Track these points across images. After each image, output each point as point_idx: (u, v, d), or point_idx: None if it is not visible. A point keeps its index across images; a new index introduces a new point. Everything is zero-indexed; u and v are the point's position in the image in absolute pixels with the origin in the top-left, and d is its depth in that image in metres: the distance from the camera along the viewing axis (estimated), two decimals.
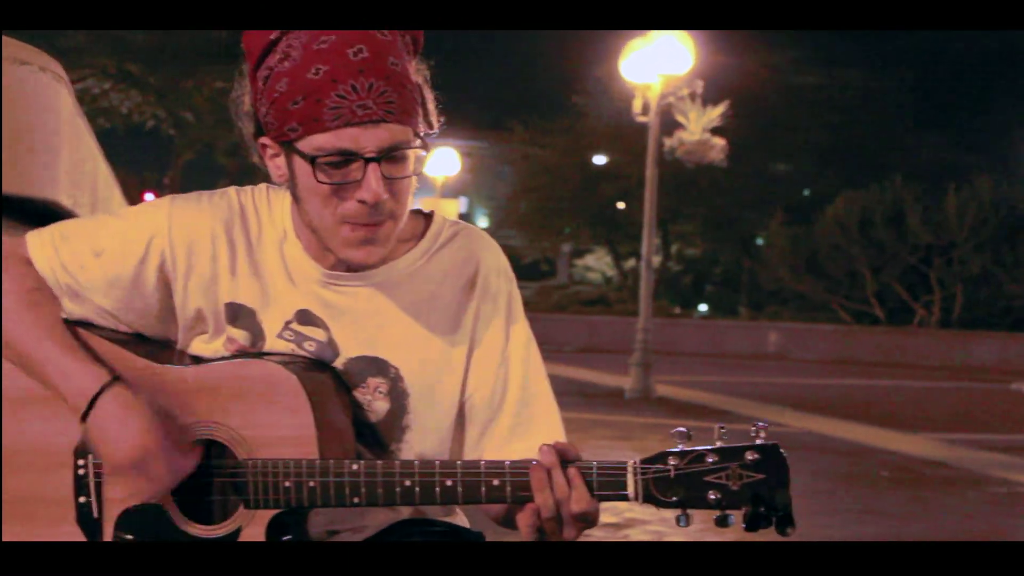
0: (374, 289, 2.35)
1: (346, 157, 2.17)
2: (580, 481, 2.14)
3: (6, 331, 2.30)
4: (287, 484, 2.21)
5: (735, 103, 22.15)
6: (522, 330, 2.46)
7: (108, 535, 2.28)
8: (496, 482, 2.17)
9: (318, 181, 2.18)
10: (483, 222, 70.00)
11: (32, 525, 2.32)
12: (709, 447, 2.15)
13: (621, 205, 48.79)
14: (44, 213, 3.48)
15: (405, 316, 2.36)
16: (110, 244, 2.34)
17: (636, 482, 2.14)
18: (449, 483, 2.17)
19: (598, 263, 58.04)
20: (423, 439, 2.40)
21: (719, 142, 20.78)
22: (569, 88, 49.79)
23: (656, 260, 22.49)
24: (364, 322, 2.36)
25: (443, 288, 2.39)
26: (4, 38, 3.04)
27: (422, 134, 2.25)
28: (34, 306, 2.32)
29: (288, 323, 2.35)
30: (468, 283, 2.40)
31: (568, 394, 17.81)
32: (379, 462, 2.21)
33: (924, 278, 36.72)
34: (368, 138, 2.16)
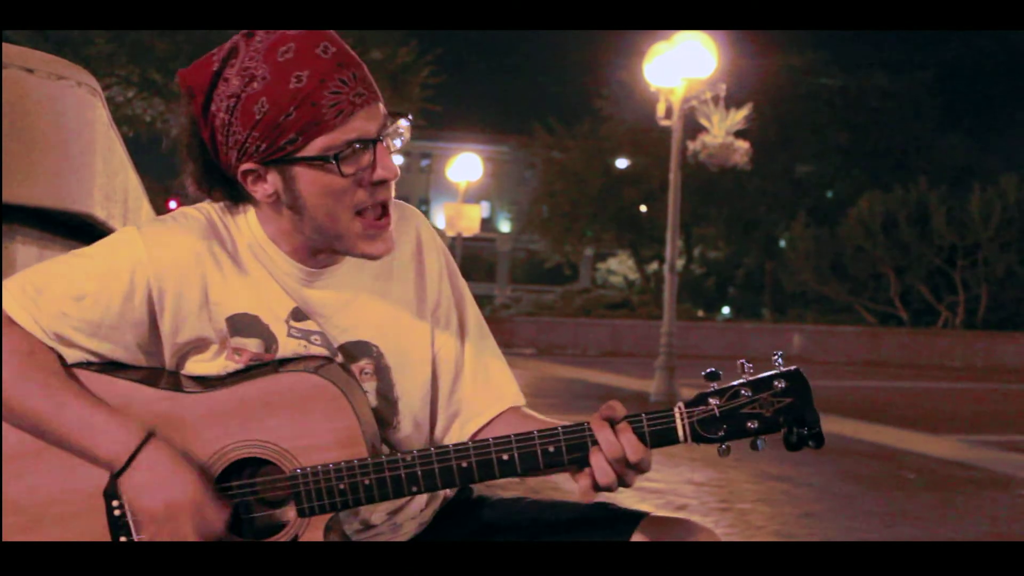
0: (342, 278, 2.41)
1: (354, 147, 2.22)
2: (631, 434, 2.24)
3: (17, 401, 2.27)
4: (342, 486, 2.24)
5: (758, 106, 22.16)
6: (464, 285, 2.59)
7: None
8: (552, 448, 2.24)
9: (343, 176, 2.22)
10: (505, 226, 70.03)
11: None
12: (742, 382, 2.27)
13: (643, 208, 48.81)
14: (80, 226, 3.52)
15: (372, 294, 2.44)
16: (90, 286, 2.31)
17: (684, 425, 2.26)
18: (506, 457, 2.24)
19: (621, 267, 58.04)
20: (411, 404, 2.47)
21: (742, 145, 20.75)
22: (592, 92, 49.89)
23: (679, 263, 22.46)
24: (342, 311, 2.41)
25: (396, 260, 2.48)
26: (40, 54, 3.08)
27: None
28: (38, 370, 2.28)
29: (287, 321, 2.38)
30: (415, 250, 2.51)
31: (592, 397, 17.79)
32: (432, 448, 2.26)
33: (948, 279, 36.66)
34: (368, 123, 2.23)
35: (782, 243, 50.44)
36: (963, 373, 29.01)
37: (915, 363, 31.90)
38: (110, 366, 2.35)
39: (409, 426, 2.48)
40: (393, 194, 2.34)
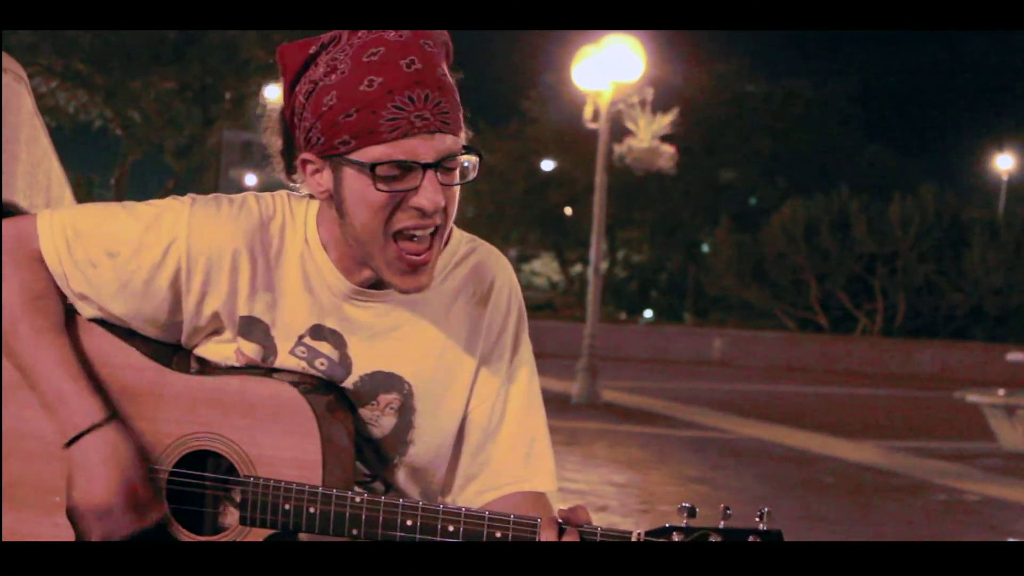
0: (393, 305, 2.35)
1: (403, 168, 2.16)
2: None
3: (7, 336, 2.28)
4: (287, 507, 2.21)
5: (684, 111, 22.27)
6: (527, 351, 2.49)
7: None
8: (498, 534, 2.17)
9: (377, 190, 2.16)
10: None
11: (22, 511, 2.32)
12: (713, 527, 2.12)
13: (568, 211, 48.95)
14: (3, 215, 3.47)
15: (422, 333, 2.37)
16: (125, 246, 2.30)
17: None
18: (451, 528, 2.18)
19: (544, 268, 58.15)
20: (425, 453, 2.41)
21: (668, 149, 20.86)
22: (519, 93, 49.97)
23: (603, 266, 22.55)
24: (382, 338, 2.35)
25: (458, 303, 2.39)
26: None
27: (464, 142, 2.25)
28: (38, 314, 2.29)
29: (301, 338, 2.34)
30: (481, 299, 2.41)
31: None
32: (382, 498, 2.21)
33: (868, 286, 37.08)
34: (425, 148, 2.15)
35: (705, 248, 50.80)
36: (880, 380, 29.34)
37: (833, 369, 32.22)
38: (120, 329, 2.36)
39: (408, 471, 2.42)
40: (447, 230, 2.28)
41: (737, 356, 34.09)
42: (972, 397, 14.52)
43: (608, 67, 18.94)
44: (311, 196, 2.34)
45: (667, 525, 2.14)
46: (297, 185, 2.35)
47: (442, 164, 2.18)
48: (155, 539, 2.27)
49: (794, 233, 37.58)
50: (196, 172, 36.82)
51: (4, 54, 3.16)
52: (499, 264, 2.47)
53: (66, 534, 2.29)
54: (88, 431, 2.23)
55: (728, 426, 15.41)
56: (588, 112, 19.43)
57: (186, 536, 2.27)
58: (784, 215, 38.55)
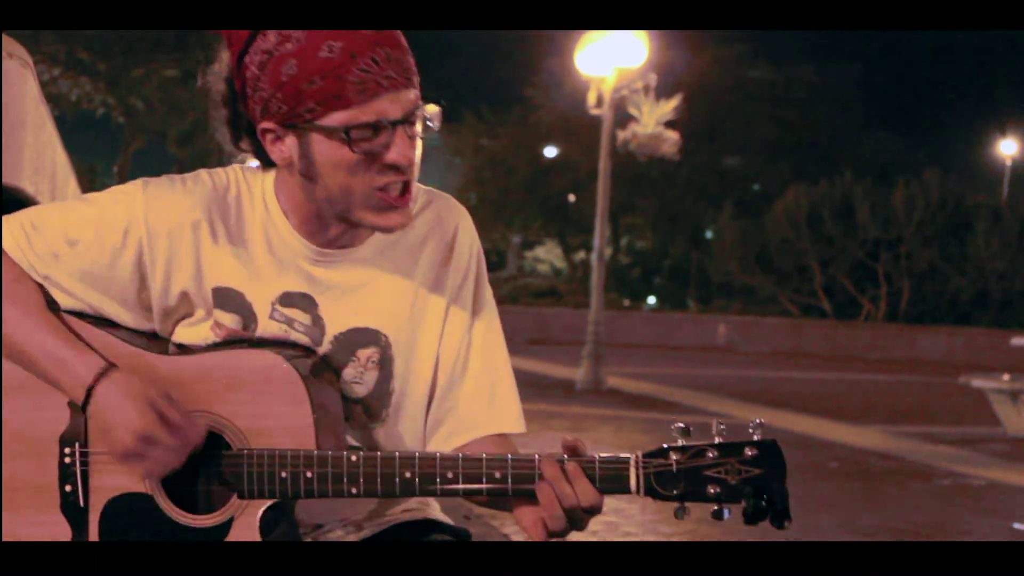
0: (359, 261, 2.36)
1: (374, 128, 2.16)
2: (582, 477, 2.16)
3: None
4: (284, 475, 2.20)
5: (687, 97, 22.23)
6: (488, 295, 2.50)
7: (94, 524, 2.27)
8: (498, 474, 2.17)
9: (352, 152, 2.16)
10: None
11: (15, 512, 2.30)
12: (709, 443, 2.15)
13: (572, 197, 48.94)
14: (8, 200, 3.47)
15: (391, 283, 2.38)
16: (84, 233, 2.31)
17: (638, 476, 2.15)
18: (450, 475, 2.18)
19: (548, 255, 58.15)
20: (409, 402, 2.42)
21: (672, 135, 20.83)
22: (522, 80, 49.90)
23: (606, 252, 22.58)
24: (353, 294, 2.36)
25: (425, 251, 2.41)
26: None
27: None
28: (19, 298, 2.29)
29: (274, 304, 2.34)
30: (447, 245, 2.43)
31: (519, 385, 17.77)
32: (378, 454, 2.20)
33: (872, 272, 37.06)
34: (393, 106, 2.17)
35: (708, 234, 50.76)
36: (884, 365, 29.34)
37: (837, 355, 32.22)
38: (91, 317, 2.35)
39: (397, 421, 2.43)
40: (416, 175, 2.28)
41: (741, 342, 34.11)
42: (976, 382, 14.51)
43: (611, 53, 18.93)
44: (262, 167, 2.35)
45: (664, 446, 2.16)
46: (246, 154, 2.35)
47: (408, 119, 2.20)
48: (153, 523, 2.26)
49: (798, 219, 37.57)
50: (199, 159, 36.79)
51: (9, 39, 3.16)
52: (459, 211, 2.49)
53: (62, 533, 2.29)
54: (96, 381, 2.22)
55: (732, 412, 15.41)
56: (591, 98, 19.42)
57: (185, 517, 2.26)
58: (787, 201, 38.53)
